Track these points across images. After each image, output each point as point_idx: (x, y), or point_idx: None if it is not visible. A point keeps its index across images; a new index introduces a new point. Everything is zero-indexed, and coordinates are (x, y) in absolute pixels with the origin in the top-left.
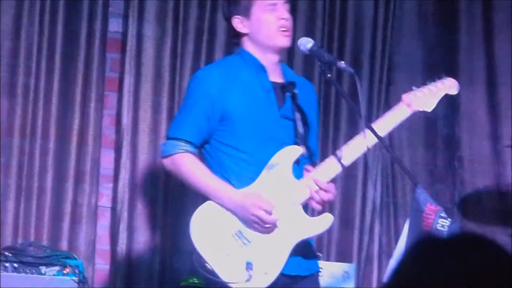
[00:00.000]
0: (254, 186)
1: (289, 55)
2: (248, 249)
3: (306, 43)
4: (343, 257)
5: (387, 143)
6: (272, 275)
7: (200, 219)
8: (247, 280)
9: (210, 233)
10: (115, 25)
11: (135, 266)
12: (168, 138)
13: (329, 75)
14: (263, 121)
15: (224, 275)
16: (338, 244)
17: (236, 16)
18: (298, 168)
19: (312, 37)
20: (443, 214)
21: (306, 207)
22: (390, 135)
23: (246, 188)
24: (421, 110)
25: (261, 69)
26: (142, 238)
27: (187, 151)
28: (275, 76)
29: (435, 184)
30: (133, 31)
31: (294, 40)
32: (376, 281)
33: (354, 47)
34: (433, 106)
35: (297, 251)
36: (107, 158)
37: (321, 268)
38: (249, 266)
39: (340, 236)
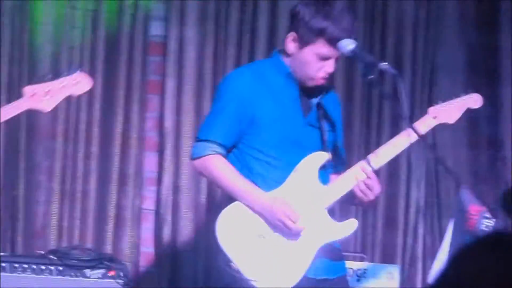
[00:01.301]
0: (281, 190)
1: None
2: (272, 250)
3: (347, 45)
4: (387, 258)
5: (431, 144)
6: (296, 277)
7: (226, 220)
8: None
9: (236, 233)
10: (156, 29)
11: (179, 268)
12: (199, 140)
13: (371, 77)
14: (289, 127)
15: (249, 274)
16: (382, 245)
17: (293, 35)
18: (324, 174)
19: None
20: (487, 215)
21: (331, 211)
22: (434, 135)
23: (273, 191)
24: (444, 122)
25: (290, 76)
26: (186, 241)
27: (217, 152)
28: (303, 86)
29: (479, 184)
30: (174, 34)
31: None
32: (421, 282)
33: (395, 49)
34: (456, 119)
35: (323, 254)
36: (150, 161)
37: (365, 269)
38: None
39: (384, 237)
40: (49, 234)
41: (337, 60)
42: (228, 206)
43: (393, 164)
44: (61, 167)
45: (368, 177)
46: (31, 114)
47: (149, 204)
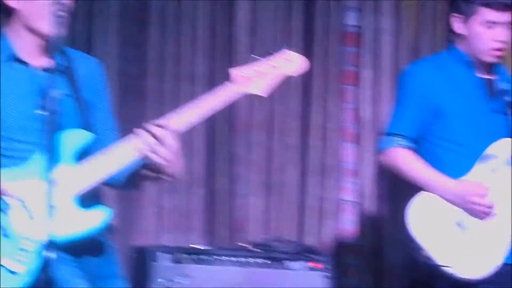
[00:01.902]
0: (469, 176)
1: None
2: (468, 236)
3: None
4: None
5: None
6: (495, 263)
7: (416, 210)
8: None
9: (428, 222)
10: (351, 19)
11: (381, 259)
12: (385, 133)
13: None
14: (475, 114)
15: (445, 261)
16: None
17: (455, 15)
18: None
19: None
20: None
21: None
22: None
23: (461, 178)
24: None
25: (469, 65)
26: (387, 231)
27: (402, 145)
28: (483, 73)
29: None
30: (369, 25)
31: None
32: None
33: None
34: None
35: None
36: (348, 152)
37: None
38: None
39: None
40: (251, 226)
41: (509, 26)
42: (417, 196)
43: None
44: (260, 159)
45: None
46: (230, 106)
47: (348, 195)
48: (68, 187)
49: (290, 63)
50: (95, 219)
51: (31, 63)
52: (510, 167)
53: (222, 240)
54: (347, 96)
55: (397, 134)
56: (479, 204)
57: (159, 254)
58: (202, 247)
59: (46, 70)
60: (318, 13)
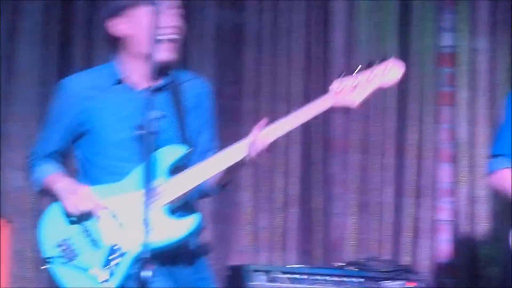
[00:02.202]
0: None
1: None
2: None
3: None
4: None
5: None
6: None
7: None
8: None
9: None
10: (446, 40)
11: (476, 279)
12: (491, 155)
13: None
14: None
15: None
16: None
17: None
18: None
19: None
20: None
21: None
22: None
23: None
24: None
25: None
26: (484, 252)
27: (509, 166)
28: None
29: None
30: (464, 45)
31: None
32: None
33: None
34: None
35: None
36: (445, 172)
37: None
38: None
39: None
40: (347, 245)
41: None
42: None
43: None
44: (356, 179)
45: None
46: (326, 125)
47: (445, 215)
48: (160, 198)
49: (388, 73)
50: (185, 226)
51: (137, 86)
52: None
53: (317, 259)
54: (442, 116)
55: (502, 155)
56: None
57: (255, 273)
58: (297, 267)
59: (150, 91)
60: (413, 34)
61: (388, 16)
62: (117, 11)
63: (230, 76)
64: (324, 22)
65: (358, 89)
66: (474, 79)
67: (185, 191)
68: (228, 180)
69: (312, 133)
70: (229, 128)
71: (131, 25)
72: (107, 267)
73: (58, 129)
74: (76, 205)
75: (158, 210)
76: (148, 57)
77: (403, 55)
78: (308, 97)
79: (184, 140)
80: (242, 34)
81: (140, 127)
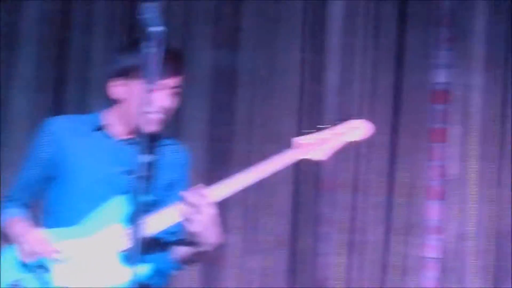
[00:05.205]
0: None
1: None
2: None
3: None
4: None
5: None
6: None
7: None
8: None
9: None
10: (440, 76)
11: None
12: None
13: None
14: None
15: None
16: None
17: None
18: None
19: None
20: None
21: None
22: None
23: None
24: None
25: None
26: None
27: None
28: None
29: None
30: (458, 81)
31: None
32: None
33: None
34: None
35: None
36: (433, 210)
37: None
38: None
39: None
40: (335, 285)
41: None
42: None
43: None
44: (345, 218)
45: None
46: (316, 164)
47: (432, 252)
48: (115, 244)
49: (355, 130)
50: (129, 275)
51: (116, 136)
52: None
53: None
54: (433, 153)
55: None
56: None
57: None
58: None
59: (128, 142)
60: (406, 71)
61: (383, 53)
62: (118, 73)
63: (222, 118)
64: (318, 60)
65: (321, 145)
66: (466, 116)
67: (137, 240)
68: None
69: (302, 172)
70: (221, 171)
71: (126, 90)
72: None
73: (34, 167)
74: (29, 249)
75: (112, 256)
76: (135, 120)
77: (396, 91)
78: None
79: (150, 191)
80: (235, 75)
81: (130, 172)
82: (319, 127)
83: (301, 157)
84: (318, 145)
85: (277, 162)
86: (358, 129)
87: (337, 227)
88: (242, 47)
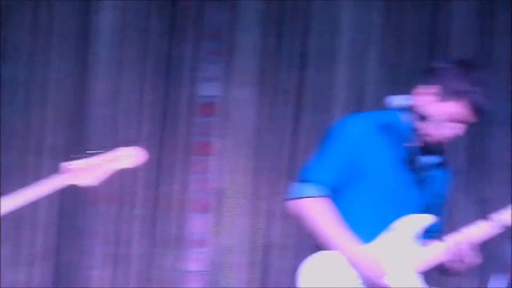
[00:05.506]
0: (374, 245)
1: None
2: None
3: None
4: None
5: None
6: None
7: (312, 268)
8: None
9: (323, 281)
10: (205, 89)
11: None
12: (299, 180)
13: None
14: (393, 183)
15: None
16: None
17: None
18: (425, 236)
19: None
20: None
21: (426, 275)
22: None
23: (366, 245)
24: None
25: (408, 131)
26: None
27: (315, 195)
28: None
29: None
30: (225, 94)
31: None
32: None
33: None
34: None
35: None
36: (197, 223)
37: None
38: None
39: None
40: None
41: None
42: (313, 256)
43: None
44: (108, 231)
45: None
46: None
47: (196, 266)
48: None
49: (126, 157)
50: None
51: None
52: (416, 242)
53: None
54: (199, 166)
55: (312, 182)
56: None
57: None
58: None
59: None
60: (173, 83)
61: (150, 66)
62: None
63: None
64: (82, 71)
65: (92, 171)
66: (232, 129)
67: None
68: None
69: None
70: None
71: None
72: None
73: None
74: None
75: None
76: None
77: (164, 104)
78: (63, 151)
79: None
80: None
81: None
82: (89, 153)
83: (70, 182)
84: (88, 171)
85: (46, 187)
86: (130, 157)
87: (101, 240)
88: (5, 57)
